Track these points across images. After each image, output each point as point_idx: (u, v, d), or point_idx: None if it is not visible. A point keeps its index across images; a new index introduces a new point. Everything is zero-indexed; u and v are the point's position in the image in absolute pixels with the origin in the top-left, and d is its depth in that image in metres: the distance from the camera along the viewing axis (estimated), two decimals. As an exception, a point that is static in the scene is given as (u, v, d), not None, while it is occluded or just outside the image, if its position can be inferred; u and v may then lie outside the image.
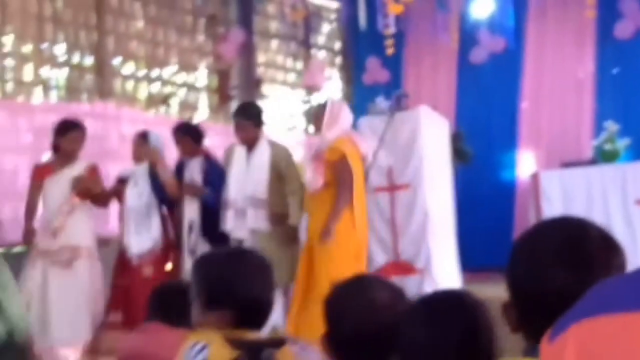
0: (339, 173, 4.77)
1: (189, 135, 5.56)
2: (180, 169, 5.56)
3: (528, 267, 1.30)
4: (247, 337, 1.85)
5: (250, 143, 5.24)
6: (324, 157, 4.80)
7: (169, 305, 2.59)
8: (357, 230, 4.88)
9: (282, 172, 5.25)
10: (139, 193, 5.36)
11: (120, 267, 5.39)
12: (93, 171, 5.34)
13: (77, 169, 5.25)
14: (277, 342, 1.89)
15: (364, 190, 5.05)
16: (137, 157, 5.53)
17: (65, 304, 5.01)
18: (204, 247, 5.20)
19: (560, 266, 1.25)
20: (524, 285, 1.30)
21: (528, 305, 1.29)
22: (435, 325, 1.60)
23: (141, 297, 5.23)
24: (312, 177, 4.82)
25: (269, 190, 5.21)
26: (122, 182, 5.57)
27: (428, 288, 5.99)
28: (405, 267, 6.03)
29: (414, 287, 5.85)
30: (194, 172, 5.43)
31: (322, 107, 5.08)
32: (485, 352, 1.50)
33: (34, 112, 6.51)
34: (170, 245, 5.48)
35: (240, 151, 5.31)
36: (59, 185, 5.15)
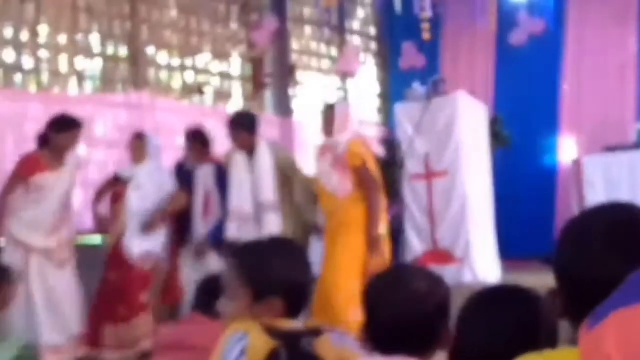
0: (363, 179, 4.85)
1: (197, 140, 5.47)
2: (184, 174, 5.47)
3: (574, 253, 1.27)
4: (284, 327, 1.82)
5: (247, 149, 5.21)
6: (347, 162, 4.84)
7: (211, 296, 2.57)
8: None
9: (287, 174, 5.23)
10: (142, 196, 5.31)
11: (116, 261, 5.31)
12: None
13: (72, 164, 5.15)
14: (315, 331, 1.85)
15: (382, 188, 5.05)
16: (136, 158, 5.44)
17: (70, 299, 5.02)
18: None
19: (605, 253, 1.22)
20: (569, 273, 1.27)
21: (575, 292, 1.26)
22: (494, 317, 1.59)
23: (137, 286, 5.23)
24: (340, 183, 4.86)
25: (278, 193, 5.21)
26: (117, 180, 5.48)
27: (467, 277, 5.89)
28: (444, 256, 5.93)
29: (453, 276, 5.75)
30: (207, 180, 5.36)
31: (330, 111, 5.06)
32: (544, 346, 1.43)
33: (69, 104, 6.53)
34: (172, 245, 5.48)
35: (240, 158, 5.23)
36: (60, 182, 5.02)
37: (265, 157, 5.17)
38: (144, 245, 5.26)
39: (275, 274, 1.89)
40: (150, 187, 5.35)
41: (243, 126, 5.23)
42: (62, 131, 5.00)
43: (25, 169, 4.96)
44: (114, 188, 5.49)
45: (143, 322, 5.22)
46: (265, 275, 1.89)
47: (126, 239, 5.27)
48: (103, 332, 5.20)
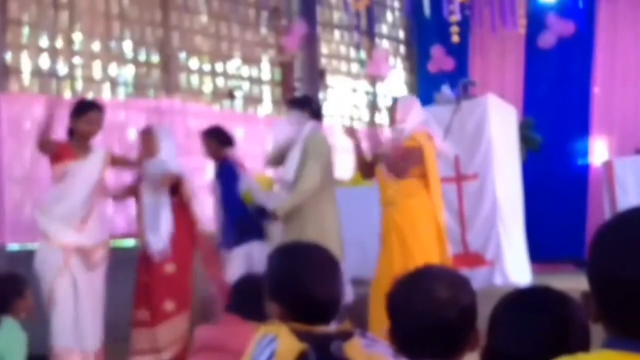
0: (410, 155, 4.85)
1: (213, 138, 5.62)
2: None
3: (610, 258, 1.24)
4: (314, 330, 1.85)
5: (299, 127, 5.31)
6: (402, 146, 4.91)
7: (245, 297, 2.61)
8: (437, 215, 4.90)
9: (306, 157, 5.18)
10: (151, 191, 5.23)
11: (143, 264, 5.23)
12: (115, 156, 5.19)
13: (99, 155, 4.93)
14: (345, 335, 1.87)
15: (439, 181, 5.04)
16: (146, 154, 5.34)
17: (94, 307, 4.78)
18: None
19: None
20: (605, 277, 1.24)
21: (610, 297, 1.23)
22: (525, 319, 1.59)
23: (161, 293, 5.09)
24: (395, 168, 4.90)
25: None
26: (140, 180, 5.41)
27: (498, 280, 5.87)
28: (475, 259, 5.91)
29: (484, 279, 5.74)
30: (214, 176, 5.55)
31: (395, 102, 5.24)
32: (576, 349, 1.43)
33: (103, 109, 6.63)
34: (194, 242, 5.37)
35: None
36: (87, 170, 4.79)
37: (300, 139, 5.22)
38: (157, 242, 5.14)
39: (275, 279, 1.95)
40: (158, 179, 5.21)
41: (294, 105, 5.40)
42: (81, 115, 4.78)
43: (63, 154, 4.75)
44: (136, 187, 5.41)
45: (165, 331, 5.06)
46: (268, 279, 1.97)
47: (144, 236, 5.20)
48: (132, 337, 5.10)
